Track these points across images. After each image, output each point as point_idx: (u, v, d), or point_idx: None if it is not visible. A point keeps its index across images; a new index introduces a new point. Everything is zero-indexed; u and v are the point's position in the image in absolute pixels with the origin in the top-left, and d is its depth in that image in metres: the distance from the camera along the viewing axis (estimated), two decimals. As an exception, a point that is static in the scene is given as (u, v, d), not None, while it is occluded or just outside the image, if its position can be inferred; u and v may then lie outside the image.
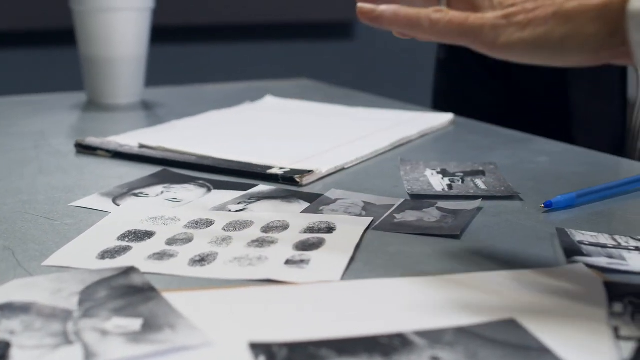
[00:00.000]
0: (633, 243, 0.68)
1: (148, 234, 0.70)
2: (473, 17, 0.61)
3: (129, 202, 0.79)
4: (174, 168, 0.90)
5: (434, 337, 0.51)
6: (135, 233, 0.70)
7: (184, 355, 0.49)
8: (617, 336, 0.51)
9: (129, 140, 0.99)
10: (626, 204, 0.80)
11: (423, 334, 0.51)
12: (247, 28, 2.60)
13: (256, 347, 0.49)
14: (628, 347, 0.49)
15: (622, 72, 1.13)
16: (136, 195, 0.81)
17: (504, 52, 0.60)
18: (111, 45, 1.26)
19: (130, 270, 0.60)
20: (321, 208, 0.77)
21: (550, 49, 0.59)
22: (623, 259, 0.65)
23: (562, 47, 0.58)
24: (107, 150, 0.96)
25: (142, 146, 0.96)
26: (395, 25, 0.65)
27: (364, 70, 2.73)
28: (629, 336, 0.51)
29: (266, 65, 2.56)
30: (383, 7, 0.65)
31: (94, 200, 0.79)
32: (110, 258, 0.65)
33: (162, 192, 0.82)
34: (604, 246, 0.67)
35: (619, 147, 1.18)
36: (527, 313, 0.54)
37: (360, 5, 0.66)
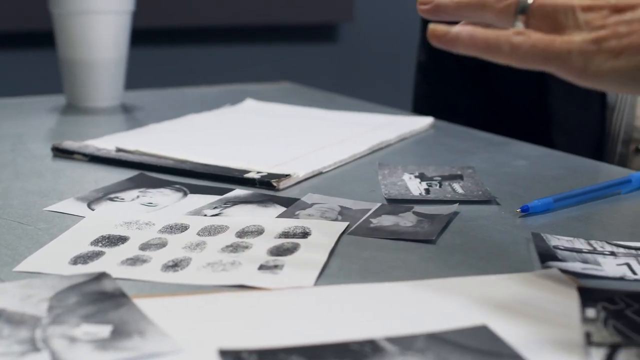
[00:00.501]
0: (608, 248, 0.68)
1: (122, 239, 0.69)
2: (559, 41, 0.56)
3: (103, 207, 0.78)
4: (151, 172, 0.90)
5: (405, 343, 0.50)
6: (108, 238, 0.69)
7: (152, 362, 0.49)
8: (589, 342, 0.51)
9: (107, 143, 0.98)
10: (603, 208, 0.80)
11: (394, 340, 0.51)
12: (229, 30, 2.59)
13: (225, 354, 0.49)
14: (599, 353, 0.49)
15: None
16: (111, 199, 0.81)
17: (594, 81, 0.56)
18: (90, 48, 1.25)
19: (101, 276, 0.60)
20: (297, 212, 0.76)
21: None
22: (598, 264, 0.65)
23: None
24: (84, 154, 0.95)
25: (119, 150, 0.96)
26: (472, 49, 0.59)
27: (347, 73, 2.73)
28: (600, 342, 0.51)
29: (249, 68, 2.56)
30: (458, 29, 0.59)
31: (68, 205, 0.78)
32: (83, 263, 0.64)
33: (137, 197, 0.81)
34: (579, 251, 0.67)
35: (598, 151, 1.18)
36: (500, 319, 0.54)
37: (432, 27, 0.60)
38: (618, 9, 0.55)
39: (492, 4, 0.60)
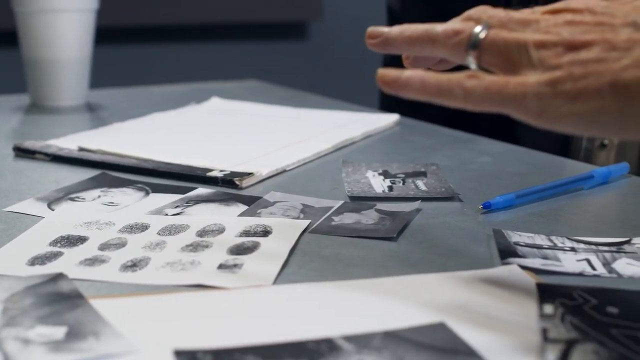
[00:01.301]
0: (569, 244, 0.68)
1: (81, 239, 0.69)
2: (513, 83, 0.54)
3: (64, 207, 0.77)
4: (113, 171, 0.89)
5: (361, 341, 0.50)
6: (67, 238, 0.69)
7: (106, 363, 0.48)
8: (546, 338, 0.51)
9: (70, 143, 0.98)
10: (565, 204, 0.80)
11: (351, 338, 0.50)
12: (198, 28, 2.58)
13: (180, 354, 0.48)
14: (555, 350, 0.49)
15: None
16: (72, 199, 0.80)
17: (552, 124, 0.53)
18: (54, 47, 1.24)
19: (58, 277, 0.59)
20: (259, 211, 0.76)
21: (605, 124, 0.52)
22: (558, 260, 0.65)
23: (620, 123, 0.52)
24: (46, 154, 0.94)
25: (81, 149, 0.95)
26: (423, 95, 0.56)
27: (317, 71, 2.73)
28: (557, 338, 0.50)
29: (218, 66, 2.55)
30: (408, 74, 0.57)
31: (28, 205, 0.78)
32: (40, 264, 0.63)
33: (99, 196, 0.81)
34: (539, 247, 0.67)
35: (564, 147, 1.18)
36: (458, 316, 0.54)
37: (382, 72, 0.58)
38: (572, 46, 0.53)
39: (443, 39, 0.58)
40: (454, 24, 0.59)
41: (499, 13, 0.57)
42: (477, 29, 0.57)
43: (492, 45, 0.56)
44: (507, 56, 0.55)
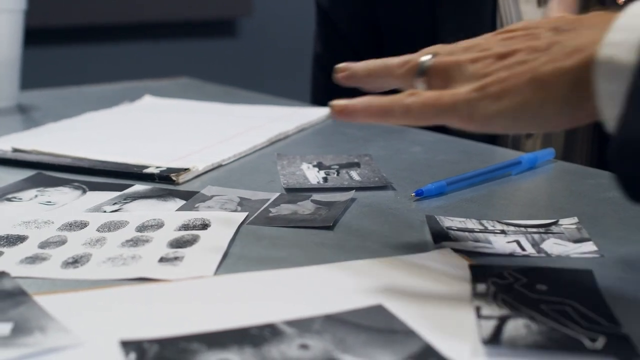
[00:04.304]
0: (499, 227, 0.71)
1: (20, 238, 0.69)
2: (446, 95, 0.59)
3: (1, 207, 0.78)
4: (49, 171, 0.89)
5: (303, 325, 0.52)
6: (7, 238, 0.69)
7: (53, 357, 0.49)
8: (479, 315, 0.53)
9: (3, 144, 0.97)
10: (495, 190, 0.83)
11: (293, 323, 0.52)
12: (128, 27, 2.57)
13: (127, 345, 0.49)
14: (488, 325, 0.51)
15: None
16: (9, 199, 0.80)
17: (482, 125, 0.58)
18: (-17, 49, 1.23)
19: (0, 275, 0.60)
20: (197, 205, 0.77)
21: (529, 117, 0.56)
22: (489, 242, 0.67)
23: (542, 113, 0.56)
24: (-20, 156, 0.94)
25: (15, 150, 0.95)
26: (369, 117, 0.62)
27: (247, 68, 2.73)
28: (489, 315, 0.53)
29: (148, 65, 2.54)
30: (354, 102, 0.63)
31: (-36, 207, 0.78)
32: (-19, 264, 0.64)
33: (35, 196, 0.81)
34: (471, 231, 0.70)
35: (492, 135, 1.21)
36: (395, 298, 0.56)
37: (332, 102, 0.64)
38: (501, 56, 0.58)
39: (395, 69, 0.64)
40: (407, 56, 0.65)
41: (449, 46, 0.63)
42: (424, 57, 0.63)
43: (435, 69, 0.62)
44: (447, 76, 0.61)
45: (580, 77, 0.54)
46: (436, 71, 0.62)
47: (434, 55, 0.63)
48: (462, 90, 0.59)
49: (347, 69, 0.68)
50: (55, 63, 2.43)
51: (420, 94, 0.60)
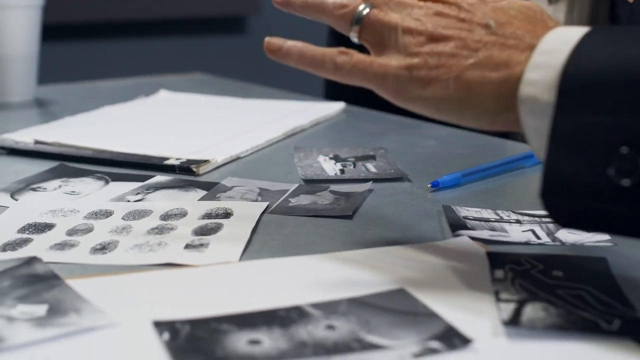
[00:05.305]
0: (514, 216, 0.72)
1: (48, 226, 0.71)
2: (377, 64, 0.61)
3: (27, 197, 0.80)
4: (70, 163, 0.91)
5: (328, 308, 0.54)
6: (35, 225, 0.71)
7: (90, 336, 0.51)
8: (498, 299, 0.55)
9: (24, 137, 0.99)
10: (508, 181, 0.85)
11: (318, 305, 0.54)
12: (139, 24, 2.59)
13: (160, 325, 0.51)
14: (508, 308, 0.53)
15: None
16: (34, 189, 0.82)
17: (406, 104, 0.61)
18: (1, 43, 1.25)
19: (32, 260, 0.62)
20: (218, 195, 0.79)
21: (448, 111, 0.59)
22: (504, 231, 0.69)
23: (460, 112, 0.59)
24: (3, 148, 0.96)
25: (37, 142, 0.97)
26: (300, 64, 0.64)
27: (255, 65, 2.74)
28: (508, 299, 0.55)
29: (158, 61, 2.56)
30: (290, 44, 0.64)
31: (-9, 196, 0.80)
32: (12, 250, 0.66)
33: (60, 186, 0.83)
34: (487, 220, 0.71)
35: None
36: (415, 283, 0.58)
37: (268, 39, 0.65)
38: (433, 38, 0.60)
39: (331, 10, 0.65)
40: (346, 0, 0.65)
41: None
42: (361, 7, 0.63)
43: (370, 24, 0.63)
44: (380, 36, 0.62)
45: (503, 90, 0.57)
46: (371, 27, 0.63)
47: (370, 6, 0.63)
48: (392, 64, 0.60)
49: None
50: (68, 59, 2.45)
51: (351, 55, 0.62)
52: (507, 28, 0.59)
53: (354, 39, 0.64)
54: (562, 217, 0.54)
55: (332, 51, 0.62)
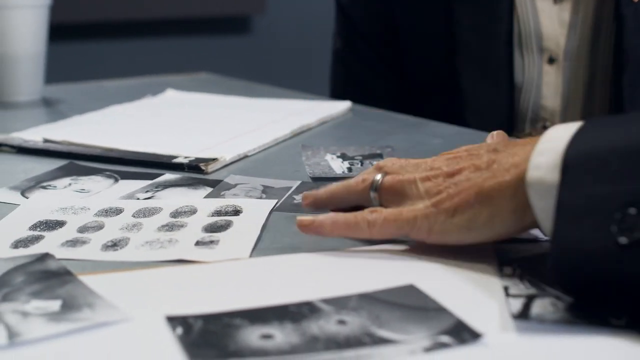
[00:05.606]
0: (521, 214, 0.73)
1: (59, 223, 0.71)
2: (406, 212, 0.64)
3: (37, 195, 0.80)
4: (80, 161, 0.92)
5: (339, 303, 0.54)
6: (46, 223, 0.72)
7: (104, 331, 0.52)
8: (507, 294, 0.55)
9: (33, 135, 1.00)
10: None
11: (329, 301, 0.55)
12: (145, 24, 2.60)
13: (173, 320, 0.52)
14: (517, 303, 0.54)
15: (509, 58, 1.19)
16: (44, 187, 0.83)
17: (440, 238, 0.63)
18: (8, 43, 1.26)
19: (45, 256, 0.62)
20: (222, 193, 0.80)
21: (479, 228, 0.61)
22: (512, 228, 0.69)
23: (491, 225, 0.61)
24: (12, 146, 0.97)
25: (46, 141, 0.98)
26: (335, 232, 0.66)
27: (260, 65, 2.76)
28: (517, 294, 0.55)
29: (164, 61, 2.57)
30: (321, 218, 0.67)
31: (2, 194, 0.80)
32: (24, 247, 0.66)
33: (69, 184, 0.84)
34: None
35: (509, 129, 1.23)
36: (425, 279, 0.58)
37: (299, 218, 0.68)
38: (449, 175, 0.64)
39: (354, 187, 0.70)
40: (364, 174, 0.70)
41: (400, 161, 0.69)
42: (378, 176, 0.68)
43: (389, 186, 0.68)
44: (401, 192, 0.67)
45: (519, 188, 0.59)
46: (390, 188, 0.67)
47: (385, 174, 0.68)
48: (419, 207, 0.64)
49: (311, 197, 0.72)
50: (74, 59, 2.46)
51: (381, 212, 0.65)
52: (510, 145, 0.64)
53: (375, 203, 0.68)
54: (574, 287, 0.55)
55: (363, 212, 0.66)
